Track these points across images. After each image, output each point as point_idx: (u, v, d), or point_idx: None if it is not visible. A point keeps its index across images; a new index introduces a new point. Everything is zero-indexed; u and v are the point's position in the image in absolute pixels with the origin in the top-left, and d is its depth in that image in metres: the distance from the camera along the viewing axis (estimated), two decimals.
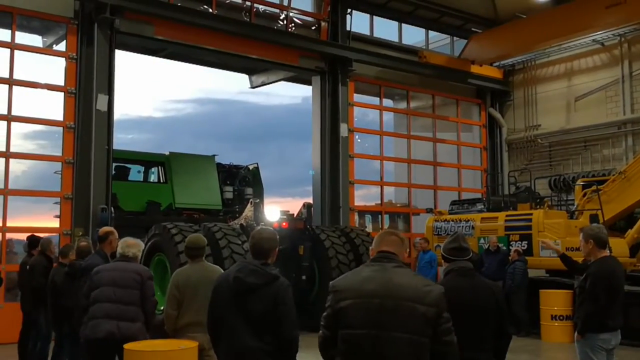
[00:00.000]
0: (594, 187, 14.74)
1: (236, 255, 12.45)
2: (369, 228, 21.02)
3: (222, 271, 6.21)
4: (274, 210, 15.31)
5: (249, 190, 18.72)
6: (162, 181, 17.61)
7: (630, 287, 12.53)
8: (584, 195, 15.13)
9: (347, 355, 3.67)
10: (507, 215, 15.47)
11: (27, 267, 9.81)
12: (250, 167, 19.63)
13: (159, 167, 17.76)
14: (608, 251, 6.55)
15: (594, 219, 13.74)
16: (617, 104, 20.07)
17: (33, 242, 10.35)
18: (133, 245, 6.69)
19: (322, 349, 3.86)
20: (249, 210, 15.35)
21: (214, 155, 19.00)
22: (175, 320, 6.18)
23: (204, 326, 5.72)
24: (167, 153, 18.16)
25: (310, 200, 18.81)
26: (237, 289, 4.53)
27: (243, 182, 19.02)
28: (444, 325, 3.61)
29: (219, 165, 18.81)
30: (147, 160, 18.05)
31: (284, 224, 14.58)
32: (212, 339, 4.78)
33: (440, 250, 4.89)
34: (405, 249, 3.95)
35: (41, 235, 11.22)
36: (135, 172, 17.76)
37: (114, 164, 16.18)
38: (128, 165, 17.47)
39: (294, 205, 46.87)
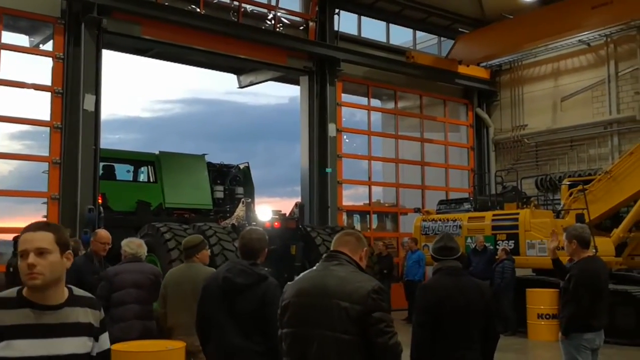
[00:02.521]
0: (580, 187, 14.82)
1: (228, 251, 12.38)
2: (358, 228, 21.08)
3: (210, 271, 6.23)
4: (266, 210, 15.26)
5: (240, 190, 18.63)
6: (152, 181, 17.49)
7: (615, 286, 12.67)
8: (570, 194, 15.20)
9: (286, 353, 3.66)
10: (494, 215, 15.54)
11: (11, 268, 9.75)
12: (241, 167, 19.55)
13: (149, 167, 17.64)
14: (594, 251, 6.59)
15: (580, 218, 13.81)
16: (603, 104, 20.20)
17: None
18: (141, 246, 6.86)
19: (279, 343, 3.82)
20: (240, 210, 15.29)
21: (204, 155, 18.91)
22: (165, 318, 6.23)
23: (185, 328, 5.73)
24: (156, 152, 18.06)
25: (298, 200, 18.85)
26: (226, 289, 4.56)
27: (234, 182, 18.93)
28: (376, 326, 3.41)
29: (209, 164, 18.70)
30: (137, 160, 17.92)
31: (276, 223, 14.53)
32: (200, 339, 4.78)
33: (429, 250, 4.91)
34: (363, 248, 3.84)
35: None
36: (125, 172, 17.66)
37: (103, 164, 16.11)
38: (117, 165, 17.36)
39: (282, 205, 46.88)
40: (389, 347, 3.41)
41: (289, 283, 3.84)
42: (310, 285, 3.63)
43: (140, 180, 17.89)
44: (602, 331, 6.40)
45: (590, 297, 6.24)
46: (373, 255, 15.53)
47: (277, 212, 15.08)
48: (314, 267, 3.79)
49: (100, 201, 14.93)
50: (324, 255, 3.81)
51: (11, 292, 2.78)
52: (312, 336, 3.49)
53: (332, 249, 3.86)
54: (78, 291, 2.94)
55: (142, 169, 17.87)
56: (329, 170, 18.67)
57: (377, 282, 3.57)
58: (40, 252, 2.74)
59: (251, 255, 4.66)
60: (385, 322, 3.44)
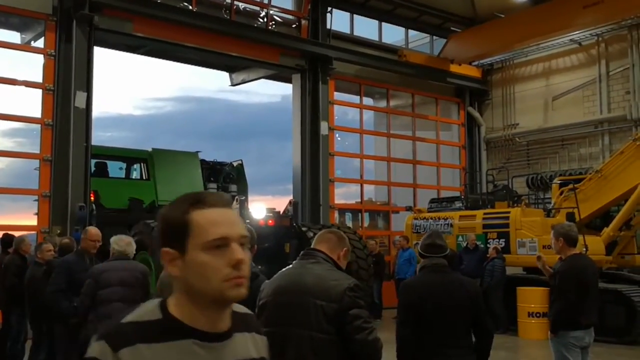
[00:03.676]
0: (570, 186, 14.87)
1: None
2: (350, 226, 21.10)
3: None
4: (260, 208, 15.14)
5: (233, 187, 18.53)
6: (144, 178, 17.38)
7: (606, 285, 12.75)
8: (561, 193, 15.26)
9: None
10: (485, 213, 15.58)
11: (2, 266, 9.71)
12: (235, 164, 19.43)
13: (142, 164, 17.52)
14: (584, 249, 6.62)
15: (570, 217, 13.88)
16: (594, 103, 20.29)
17: (7, 240, 10.24)
18: (130, 244, 6.80)
19: None
20: (234, 208, 15.19)
21: (197, 152, 18.80)
22: None
23: None
24: (149, 149, 17.94)
25: (290, 198, 18.84)
26: None
27: (227, 179, 18.82)
28: (354, 323, 3.38)
29: (202, 161, 18.57)
30: (129, 157, 17.81)
31: (270, 221, 14.43)
32: None
33: (418, 247, 4.92)
34: (343, 248, 3.81)
35: (18, 233, 11.12)
36: (117, 169, 17.54)
37: (95, 161, 16.05)
38: (109, 162, 17.24)
39: (274, 203, 46.86)
40: (368, 342, 3.39)
41: (266, 281, 3.83)
42: (287, 284, 3.61)
43: (133, 177, 17.80)
44: (592, 329, 6.43)
45: (577, 294, 6.26)
46: (368, 257, 15.37)
47: (271, 210, 14.99)
48: (291, 265, 3.78)
49: (92, 198, 14.88)
50: (301, 253, 3.80)
51: (151, 311, 1.72)
52: (290, 336, 3.47)
53: (312, 246, 3.84)
54: (236, 306, 1.88)
55: (135, 166, 17.77)
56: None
57: (353, 279, 3.55)
58: (242, 243, 1.74)
59: None
60: (362, 318, 3.41)
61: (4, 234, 10.65)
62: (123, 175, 17.74)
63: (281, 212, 15.40)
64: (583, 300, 6.31)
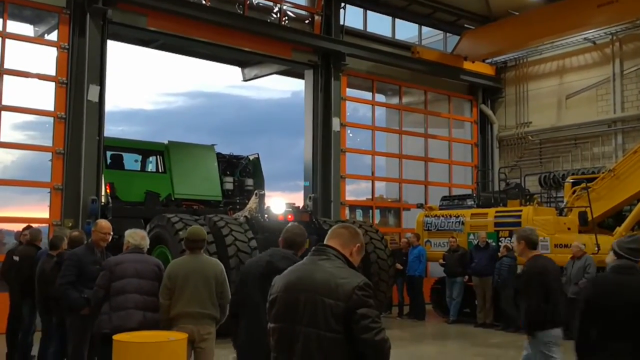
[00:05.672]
0: (583, 185, 14.81)
1: (242, 253, 12.06)
2: None
3: (220, 264, 6.52)
4: (279, 203, 14.98)
5: (250, 181, 18.36)
6: (160, 171, 17.23)
7: None
8: (574, 192, 15.19)
9: (273, 349, 3.62)
10: (496, 212, 15.53)
11: (16, 257, 9.75)
12: (251, 158, 19.27)
13: (158, 157, 17.36)
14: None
15: (582, 216, 13.82)
16: (608, 102, 20.17)
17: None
18: (144, 238, 6.92)
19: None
20: (253, 202, 14.98)
21: (213, 145, 18.64)
22: (167, 310, 6.24)
23: (193, 317, 5.96)
24: (165, 142, 17.83)
25: (301, 195, 18.81)
26: (267, 273, 4.77)
27: (244, 173, 18.67)
28: (361, 322, 3.33)
29: (218, 155, 18.34)
30: (145, 149, 17.66)
31: (290, 216, 14.32)
32: (233, 317, 5.37)
33: (616, 246, 5.08)
34: (356, 244, 3.74)
35: (33, 226, 11.17)
36: (132, 162, 17.41)
37: (111, 153, 16.06)
38: (124, 154, 17.15)
39: (286, 199, 46.69)
40: (375, 343, 3.33)
41: (277, 276, 3.80)
42: (297, 280, 3.57)
43: (149, 170, 17.65)
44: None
45: (543, 293, 6.33)
46: (391, 265, 15.19)
47: (291, 205, 14.87)
48: (302, 261, 3.74)
49: (108, 191, 14.88)
50: (312, 249, 3.75)
51: None
52: (297, 333, 3.44)
53: (324, 241, 3.78)
54: None
55: (151, 158, 17.57)
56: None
57: (363, 278, 3.48)
58: None
59: (292, 246, 5.28)
60: (370, 318, 3.35)
61: (26, 226, 10.69)
62: (139, 168, 17.57)
63: (300, 208, 15.28)
64: (547, 299, 6.37)
